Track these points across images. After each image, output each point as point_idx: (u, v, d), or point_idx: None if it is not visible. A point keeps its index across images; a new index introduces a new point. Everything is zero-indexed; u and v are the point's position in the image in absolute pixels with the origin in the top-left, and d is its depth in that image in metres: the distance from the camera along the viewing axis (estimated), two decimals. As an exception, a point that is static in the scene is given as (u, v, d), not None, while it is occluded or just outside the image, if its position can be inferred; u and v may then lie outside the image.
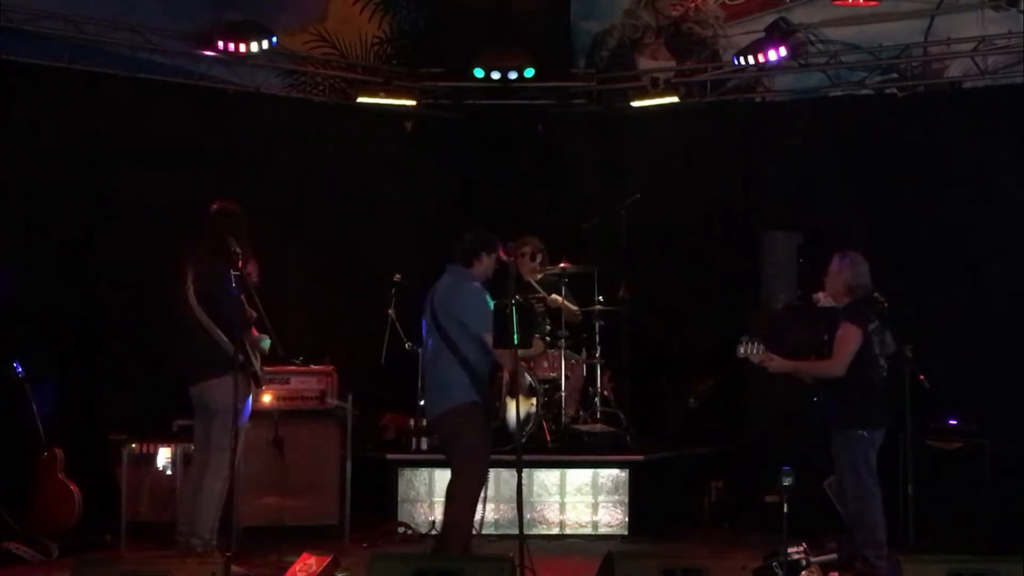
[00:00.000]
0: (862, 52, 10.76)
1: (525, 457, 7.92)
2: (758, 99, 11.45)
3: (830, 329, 7.92)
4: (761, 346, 7.86)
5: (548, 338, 9.96)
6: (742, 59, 10.49)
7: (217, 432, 7.90)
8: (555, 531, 9.53)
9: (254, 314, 7.86)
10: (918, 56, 10.56)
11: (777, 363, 7.89)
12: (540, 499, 9.55)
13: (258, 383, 8.03)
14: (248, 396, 7.97)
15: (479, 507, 7.72)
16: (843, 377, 7.82)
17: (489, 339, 7.55)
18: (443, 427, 7.73)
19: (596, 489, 9.67)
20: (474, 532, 7.77)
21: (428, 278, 10.67)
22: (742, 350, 7.86)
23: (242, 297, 7.78)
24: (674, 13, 11.69)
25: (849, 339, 7.80)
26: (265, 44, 10.18)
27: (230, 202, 8.05)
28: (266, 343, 8.04)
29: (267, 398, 9.13)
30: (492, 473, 9.19)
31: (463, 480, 7.66)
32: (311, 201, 10.81)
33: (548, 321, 10.02)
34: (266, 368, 8.89)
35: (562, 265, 10.12)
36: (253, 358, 7.90)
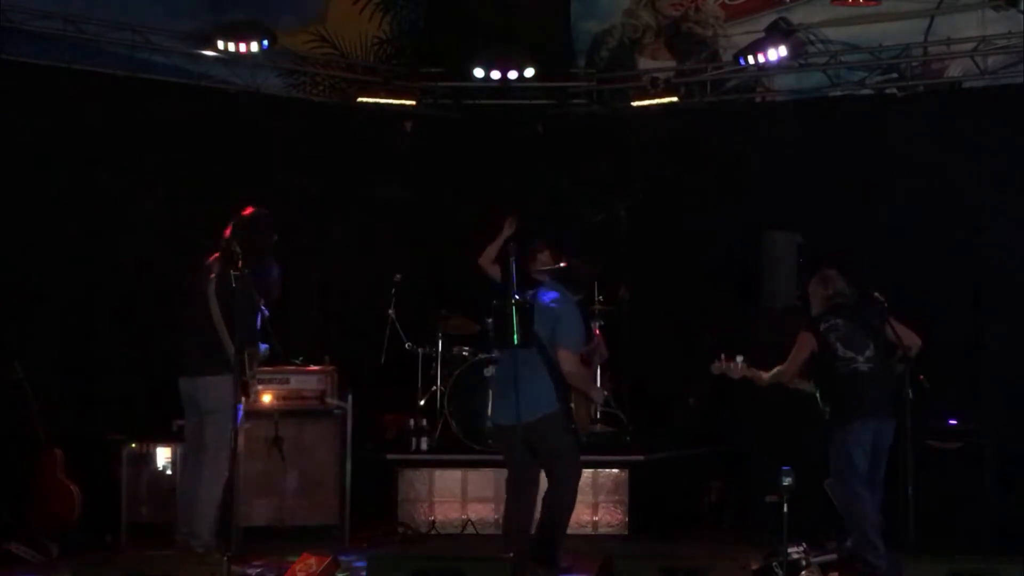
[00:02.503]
0: (862, 52, 10.76)
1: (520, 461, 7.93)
2: (758, 99, 11.45)
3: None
4: (741, 363, 8.04)
5: None
6: (744, 59, 10.48)
7: (211, 434, 7.92)
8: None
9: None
10: (918, 56, 10.56)
11: (762, 377, 8.13)
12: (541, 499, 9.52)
13: (246, 393, 7.91)
14: (238, 403, 7.93)
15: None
16: (819, 382, 8.04)
17: (570, 356, 7.80)
18: (538, 433, 7.73)
19: (596, 489, 9.66)
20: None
21: (428, 278, 10.81)
22: (717, 366, 8.08)
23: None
24: (674, 13, 11.69)
25: (799, 346, 8.06)
26: (265, 44, 10.18)
27: (256, 207, 8.15)
28: (263, 348, 8.04)
29: (267, 398, 9.14)
30: (492, 473, 9.27)
31: (561, 487, 7.89)
32: (311, 201, 10.80)
33: None
34: (266, 368, 8.96)
35: (562, 265, 10.09)
36: (247, 367, 7.84)
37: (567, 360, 7.77)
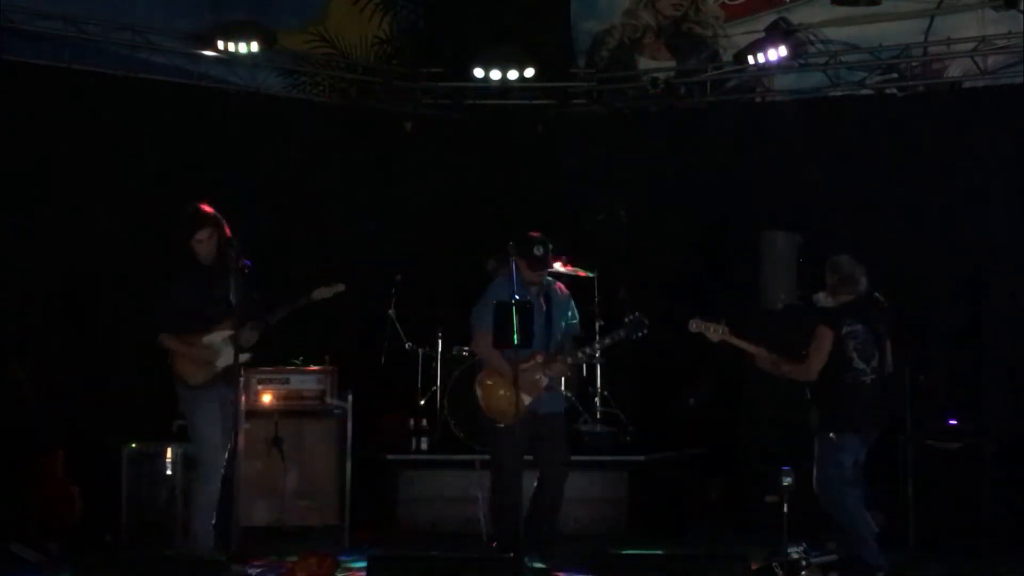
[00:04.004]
0: (862, 52, 10.75)
1: (524, 457, 7.98)
2: (758, 99, 11.45)
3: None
4: (723, 327, 7.95)
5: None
6: (749, 58, 10.48)
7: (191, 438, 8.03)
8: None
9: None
10: (918, 56, 10.55)
11: (758, 352, 8.00)
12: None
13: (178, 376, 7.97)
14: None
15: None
16: (818, 383, 7.90)
17: (474, 335, 8.08)
18: None
19: (596, 489, 9.66)
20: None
21: (428, 278, 10.81)
22: (694, 325, 8.01)
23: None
24: (674, 13, 11.68)
25: (822, 342, 7.86)
26: (265, 44, 10.18)
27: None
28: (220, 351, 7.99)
29: (267, 398, 9.14)
30: (491, 473, 9.22)
31: None
32: (311, 201, 10.81)
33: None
34: (265, 369, 8.96)
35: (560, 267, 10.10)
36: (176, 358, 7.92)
37: (473, 340, 8.23)
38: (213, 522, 7.88)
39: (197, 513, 7.92)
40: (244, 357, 7.92)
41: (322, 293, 8.09)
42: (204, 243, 7.92)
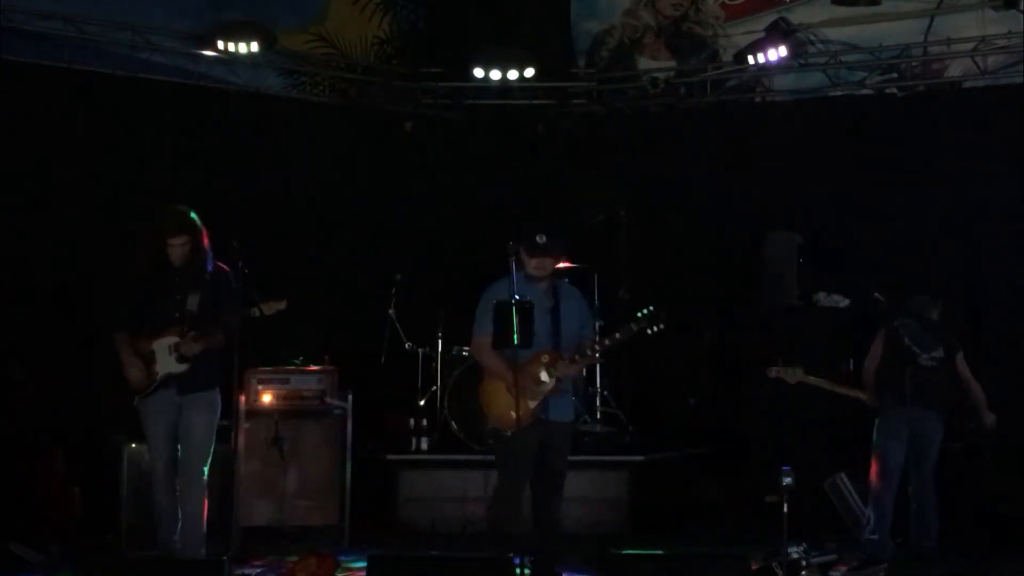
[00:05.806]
0: (862, 52, 10.76)
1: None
2: (758, 99, 11.45)
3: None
4: (799, 369, 8.17)
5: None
6: (749, 58, 10.48)
7: None
8: (554, 531, 9.50)
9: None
10: (918, 56, 10.56)
11: (818, 381, 8.27)
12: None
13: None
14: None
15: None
16: (880, 371, 8.24)
17: (473, 339, 7.55)
18: None
19: (596, 489, 9.66)
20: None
21: (428, 278, 10.81)
22: (773, 372, 8.23)
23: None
24: (674, 13, 11.69)
25: (875, 340, 8.27)
26: (264, 44, 10.18)
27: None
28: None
29: (267, 398, 9.14)
30: (491, 473, 9.20)
31: None
32: (311, 201, 10.81)
33: None
34: (265, 369, 8.96)
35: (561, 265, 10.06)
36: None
37: (472, 343, 7.65)
38: (178, 527, 7.74)
39: (157, 524, 7.83)
40: (180, 368, 7.69)
41: (269, 308, 7.77)
42: (176, 248, 7.75)
